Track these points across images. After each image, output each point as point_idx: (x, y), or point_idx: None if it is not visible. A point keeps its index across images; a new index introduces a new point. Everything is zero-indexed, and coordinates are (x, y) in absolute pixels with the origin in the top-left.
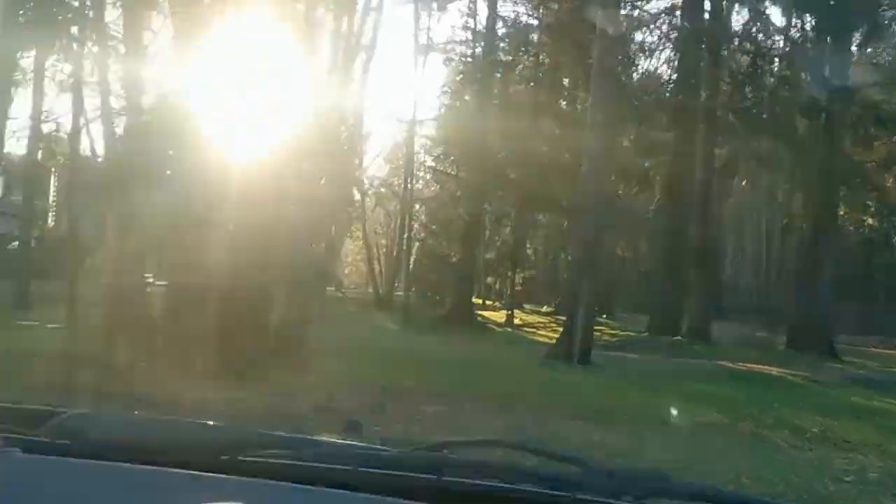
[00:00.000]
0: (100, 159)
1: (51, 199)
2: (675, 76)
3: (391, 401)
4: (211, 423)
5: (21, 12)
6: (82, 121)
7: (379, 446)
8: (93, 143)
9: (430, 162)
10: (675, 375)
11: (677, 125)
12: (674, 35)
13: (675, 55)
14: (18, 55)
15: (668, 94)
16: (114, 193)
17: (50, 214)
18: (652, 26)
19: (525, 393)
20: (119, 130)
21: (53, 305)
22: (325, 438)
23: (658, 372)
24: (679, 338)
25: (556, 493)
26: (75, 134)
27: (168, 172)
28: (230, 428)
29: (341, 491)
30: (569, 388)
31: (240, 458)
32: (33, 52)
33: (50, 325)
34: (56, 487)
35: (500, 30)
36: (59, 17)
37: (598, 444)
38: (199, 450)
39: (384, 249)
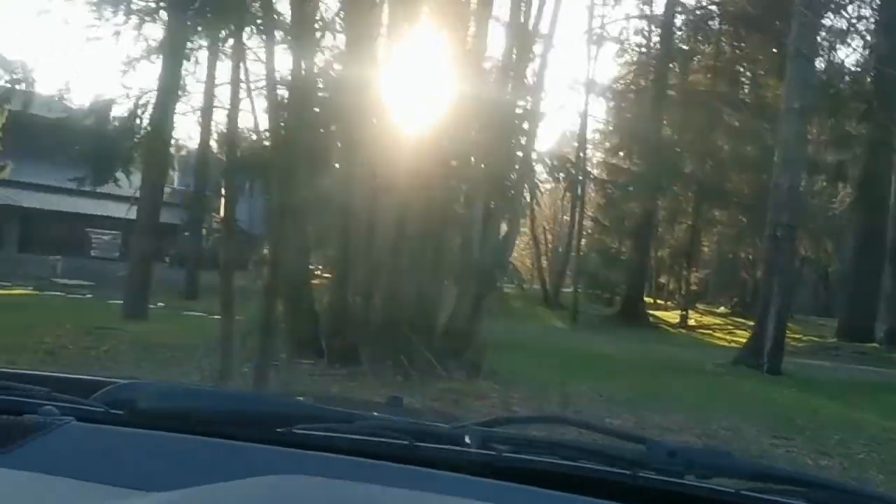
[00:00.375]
0: (262, 143)
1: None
2: (873, 62)
3: (571, 409)
4: (265, 394)
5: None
6: (244, 101)
7: (435, 423)
8: (257, 126)
9: (600, 156)
10: (879, 388)
11: (876, 115)
12: (874, 18)
13: (875, 39)
14: (190, 43)
15: (868, 82)
16: (277, 179)
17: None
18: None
19: (714, 404)
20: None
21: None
22: (379, 413)
23: (858, 383)
24: (874, 345)
25: (617, 470)
26: (234, 110)
27: (336, 165)
28: (284, 400)
29: (397, 464)
30: (762, 401)
31: (294, 429)
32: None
33: (215, 316)
34: (111, 456)
35: (678, 18)
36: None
37: (810, 471)
38: (252, 421)
39: (550, 245)
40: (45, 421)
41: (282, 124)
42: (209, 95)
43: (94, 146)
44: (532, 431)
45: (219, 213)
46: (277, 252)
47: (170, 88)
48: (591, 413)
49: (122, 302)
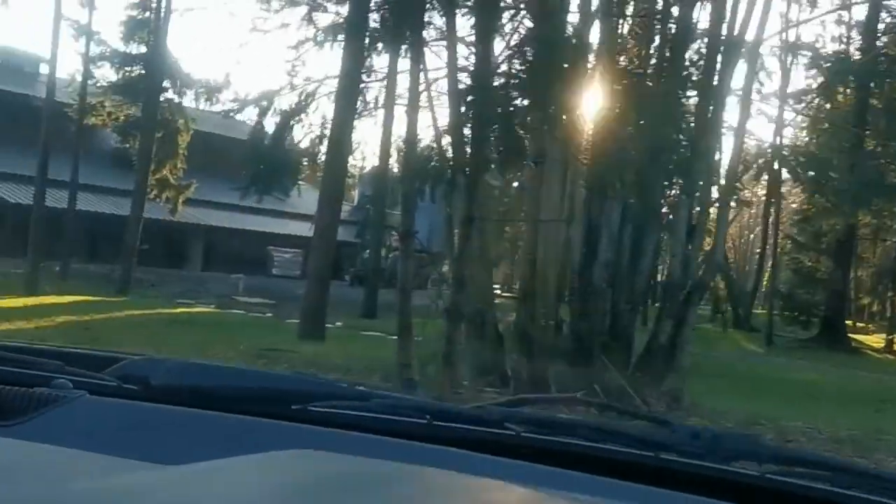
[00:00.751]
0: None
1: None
2: None
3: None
4: (281, 373)
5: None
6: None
7: (452, 404)
8: (436, 125)
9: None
10: None
11: None
12: None
13: None
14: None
15: None
16: (460, 185)
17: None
18: None
19: None
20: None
21: (398, 315)
22: (397, 393)
23: None
24: None
25: (639, 452)
26: (413, 108)
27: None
28: (299, 378)
29: (414, 442)
30: None
31: (310, 406)
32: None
33: (393, 337)
34: (125, 429)
35: (882, 21)
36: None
37: None
38: (268, 398)
39: (737, 264)
40: (57, 394)
41: (467, 114)
42: (390, 97)
43: (255, 147)
44: (553, 412)
45: (397, 229)
46: (461, 270)
47: (347, 88)
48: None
49: (299, 321)
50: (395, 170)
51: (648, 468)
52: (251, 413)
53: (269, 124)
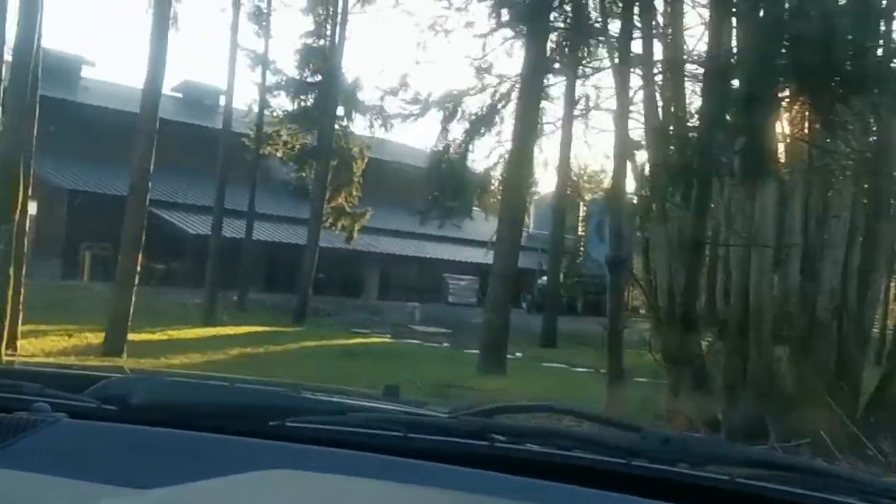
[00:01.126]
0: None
1: (579, 232)
2: None
3: None
4: (257, 387)
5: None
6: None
7: (428, 412)
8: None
9: None
10: None
11: None
12: None
13: None
14: (546, 84)
15: None
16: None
17: (579, 249)
18: None
19: None
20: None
21: (577, 345)
22: (373, 404)
23: None
24: None
25: (610, 459)
26: (622, 106)
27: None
28: (277, 392)
29: (390, 457)
30: None
31: (287, 423)
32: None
33: (577, 368)
34: (104, 453)
35: None
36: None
37: None
38: (245, 414)
39: None
40: (36, 418)
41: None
42: (569, 107)
43: (437, 165)
44: (526, 421)
45: (575, 257)
46: (689, 306)
47: (529, 93)
48: None
49: (477, 352)
50: (570, 190)
51: (621, 475)
52: (230, 431)
53: (451, 135)
